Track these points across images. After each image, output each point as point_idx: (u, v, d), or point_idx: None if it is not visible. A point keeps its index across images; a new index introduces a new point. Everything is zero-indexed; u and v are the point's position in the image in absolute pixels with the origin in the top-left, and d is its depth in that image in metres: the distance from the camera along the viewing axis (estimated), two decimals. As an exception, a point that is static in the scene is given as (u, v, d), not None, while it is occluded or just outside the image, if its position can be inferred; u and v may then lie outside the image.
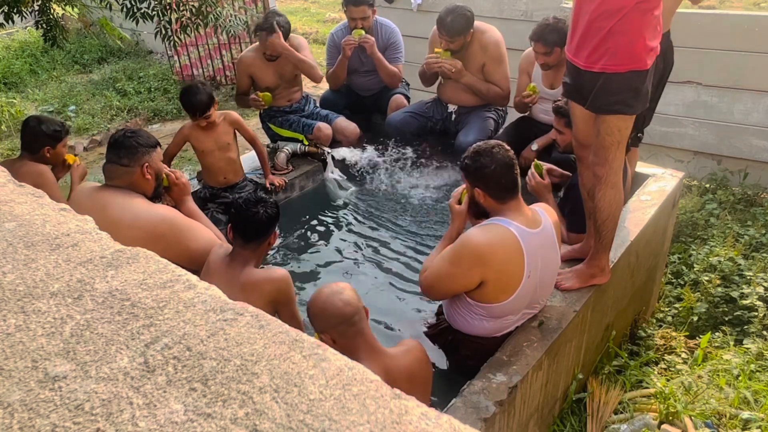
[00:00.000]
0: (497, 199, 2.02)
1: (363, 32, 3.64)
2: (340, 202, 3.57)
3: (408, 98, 4.00)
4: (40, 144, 2.80)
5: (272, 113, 3.78)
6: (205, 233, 2.33)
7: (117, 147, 2.27)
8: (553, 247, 2.09)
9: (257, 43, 3.62)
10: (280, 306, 2.11)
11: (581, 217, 2.48)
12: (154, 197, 2.40)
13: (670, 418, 2.29)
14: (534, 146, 3.22)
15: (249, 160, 3.71)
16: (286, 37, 3.49)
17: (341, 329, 1.69)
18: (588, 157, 2.22)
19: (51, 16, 3.55)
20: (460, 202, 2.24)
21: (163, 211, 2.31)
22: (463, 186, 2.23)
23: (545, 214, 2.09)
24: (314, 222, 3.40)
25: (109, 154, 2.29)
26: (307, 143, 3.66)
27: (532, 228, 1.99)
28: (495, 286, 1.97)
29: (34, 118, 2.86)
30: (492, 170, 1.97)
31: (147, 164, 2.27)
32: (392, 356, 1.76)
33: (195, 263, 2.18)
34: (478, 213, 2.13)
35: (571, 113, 2.30)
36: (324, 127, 3.64)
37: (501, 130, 3.61)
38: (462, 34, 3.34)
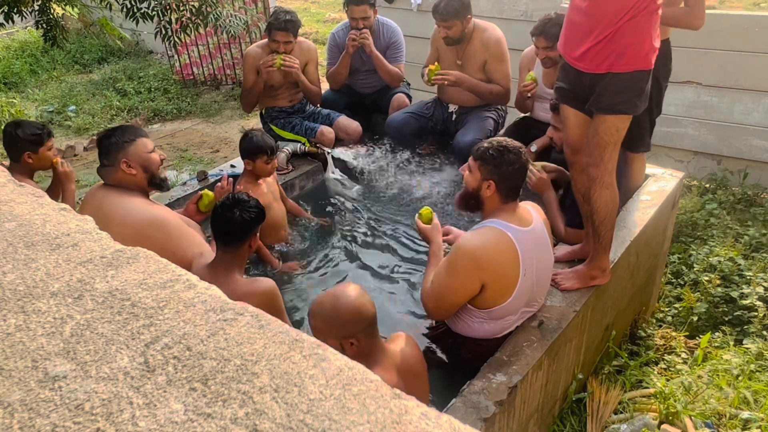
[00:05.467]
0: (504, 197, 2.02)
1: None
2: (340, 202, 3.57)
3: (410, 97, 4.00)
4: (19, 150, 2.63)
5: (274, 114, 3.77)
6: (197, 244, 2.27)
7: (99, 147, 2.29)
8: (546, 244, 2.10)
9: (264, 39, 3.62)
10: None
11: (577, 213, 2.48)
12: (160, 188, 2.39)
13: (670, 418, 2.29)
14: (533, 147, 3.23)
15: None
16: (295, 35, 3.49)
17: (369, 330, 1.67)
18: (580, 162, 2.22)
19: (51, 16, 3.55)
20: (430, 222, 2.30)
21: (158, 212, 2.27)
22: (424, 208, 2.33)
23: (535, 211, 2.10)
24: (314, 222, 3.39)
25: (98, 156, 2.31)
26: (309, 146, 3.66)
27: (524, 226, 2.00)
28: (494, 289, 1.97)
29: (12, 124, 2.69)
30: (514, 170, 1.99)
31: (125, 160, 2.23)
32: (396, 353, 1.76)
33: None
34: (469, 205, 2.13)
35: (564, 118, 2.29)
36: (327, 131, 3.64)
37: (502, 131, 3.61)
38: (457, 18, 3.33)
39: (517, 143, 2.05)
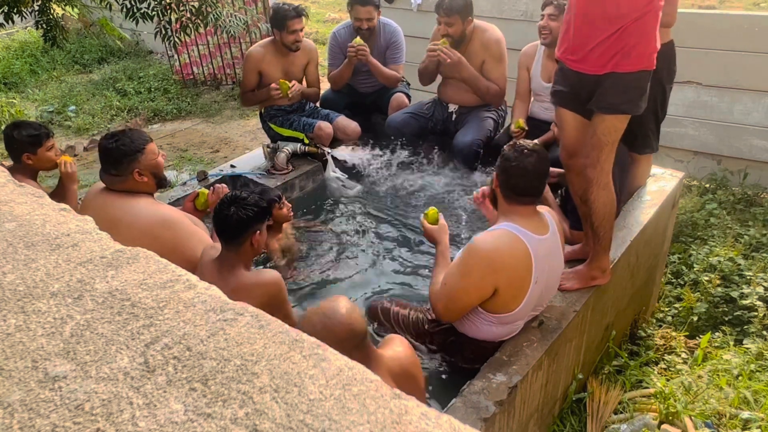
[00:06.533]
0: (505, 197, 2.02)
1: (362, 41, 3.66)
2: (340, 202, 3.57)
3: (409, 97, 4.00)
4: (18, 152, 2.64)
5: (273, 113, 3.78)
6: (206, 243, 2.27)
7: (104, 157, 2.24)
8: (559, 252, 2.08)
9: (265, 39, 3.63)
10: (272, 309, 2.07)
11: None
12: (162, 187, 2.39)
13: (670, 418, 2.29)
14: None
15: (250, 159, 3.71)
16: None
17: (364, 343, 1.64)
18: (577, 165, 2.22)
19: (51, 16, 3.55)
20: (436, 222, 2.29)
21: (166, 212, 2.27)
22: (430, 208, 2.31)
23: (551, 218, 2.08)
24: (314, 222, 3.39)
25: (101, 162, 2.26)
26: (307, 142, 3.66)
27: (541, 234, 1.97)
28: (506, 294, 1.95)
29: (10, 125, 2.71)
30: (510, 166, 1.97)
31: (137, 170, 2.23)
32: (389, 358, 1.75)
33: (192, 272, 2.12)
34: (492, 198, 2.15)
35: (561, 122, 2.28)
36: (325, 126, 3.64)
37: (503, 130, 3.61)
38: (459, 14, 3.32)
39: (529, 147, 2.00)
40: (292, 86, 3.53)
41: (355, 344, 1.61)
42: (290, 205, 2.90)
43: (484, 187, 2.36)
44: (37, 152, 2.67)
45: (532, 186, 1.97)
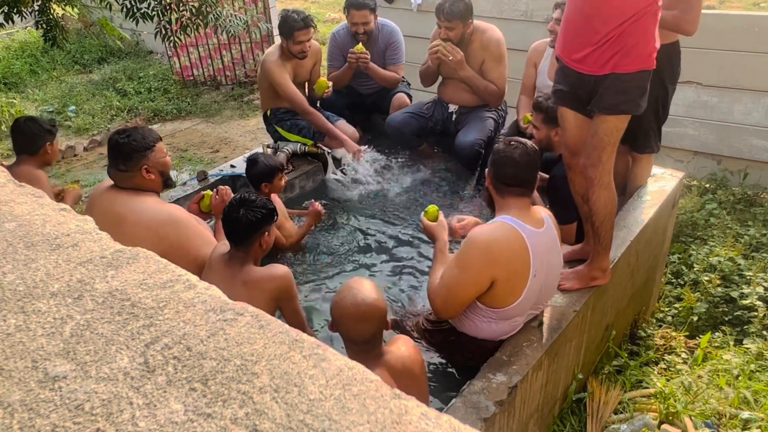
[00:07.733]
0: (497, 190, 2.04)
1: (363, 48, 3.66)
2: (340, 202, 3.57)
3: (410, 97, 3.99)
4: (41, 141, 2.79)
5: (279, 116, 3.75)
6: (210, 243, 2.29)
7: (114, 152, 2.25)
8: (557, 248, 2.09)
9: (271, 48, 3.63)
10: (282, 303, 2.10)
11: (562, 208, 2.50)
12: (168, 187, 2.42)
13: (670, 418, 2.29)
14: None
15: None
16: (315, 28, 3.58)
17: (382, 328, 1.74)
18: (580, 164, 2.22)
19: (51, 16, 3.55)
20: (435, 220, 2.32)
21: (173, 211, 2.28)
22: (430, 206, 2.36)
23: (548, 216, 2.09)
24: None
25: (109, 158, 2.27)
26: (309, 146, 3.66)
27: (537, 227, 1.99)
28: (504, 286, 1.96)
29: (25, 119, 2.84)
30: (500, 158, 2.01)
31: (146, 166, 2.24)
32: (392, 354, 1.77)
33: (196, 271, 2.14)
34: (489, 198, 2.17)
35: (563, 121, 2.28)
36: None
37: (508, 127, 3.61)
38: (460, 19, 3.32)
39: (523, 140, 2.06)
40: (328, 90, 3.60)
41: (379, 325, 1.69)
42: (287, 179, 2.91)
43: (464, 220, 2.44)
44: (53, 142, 2.85)
45: (520, 176, 1.99)
